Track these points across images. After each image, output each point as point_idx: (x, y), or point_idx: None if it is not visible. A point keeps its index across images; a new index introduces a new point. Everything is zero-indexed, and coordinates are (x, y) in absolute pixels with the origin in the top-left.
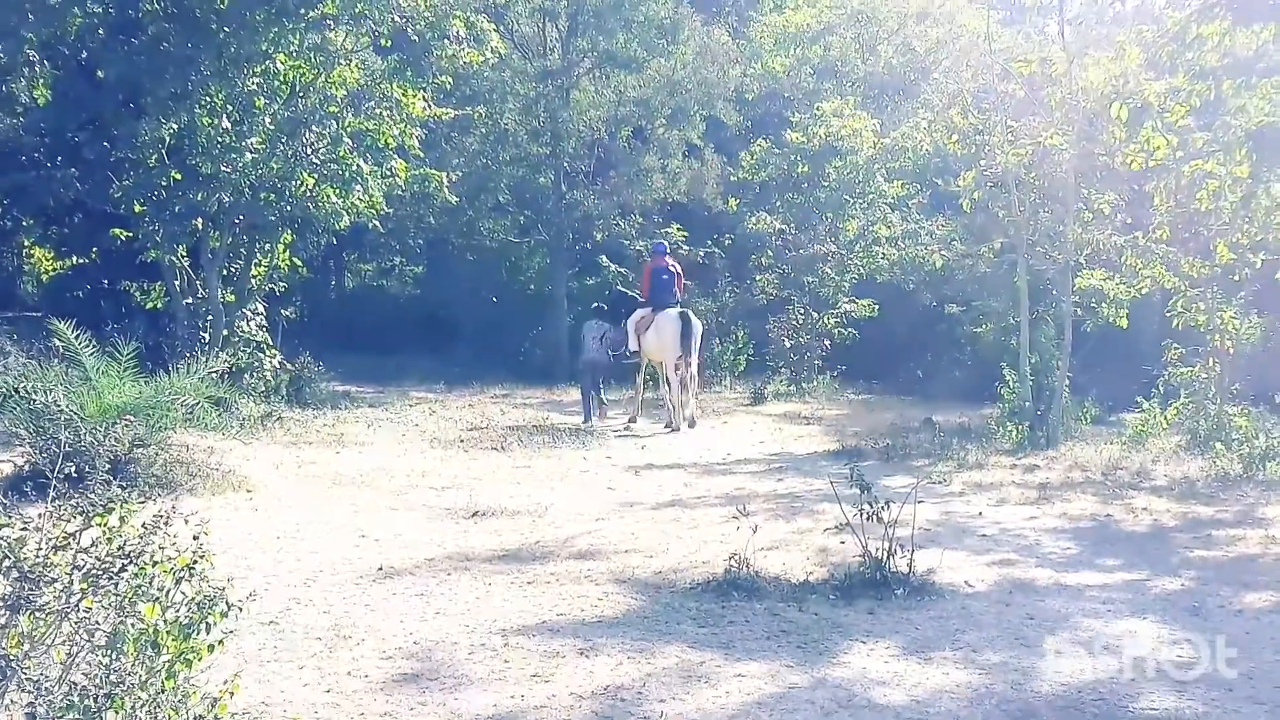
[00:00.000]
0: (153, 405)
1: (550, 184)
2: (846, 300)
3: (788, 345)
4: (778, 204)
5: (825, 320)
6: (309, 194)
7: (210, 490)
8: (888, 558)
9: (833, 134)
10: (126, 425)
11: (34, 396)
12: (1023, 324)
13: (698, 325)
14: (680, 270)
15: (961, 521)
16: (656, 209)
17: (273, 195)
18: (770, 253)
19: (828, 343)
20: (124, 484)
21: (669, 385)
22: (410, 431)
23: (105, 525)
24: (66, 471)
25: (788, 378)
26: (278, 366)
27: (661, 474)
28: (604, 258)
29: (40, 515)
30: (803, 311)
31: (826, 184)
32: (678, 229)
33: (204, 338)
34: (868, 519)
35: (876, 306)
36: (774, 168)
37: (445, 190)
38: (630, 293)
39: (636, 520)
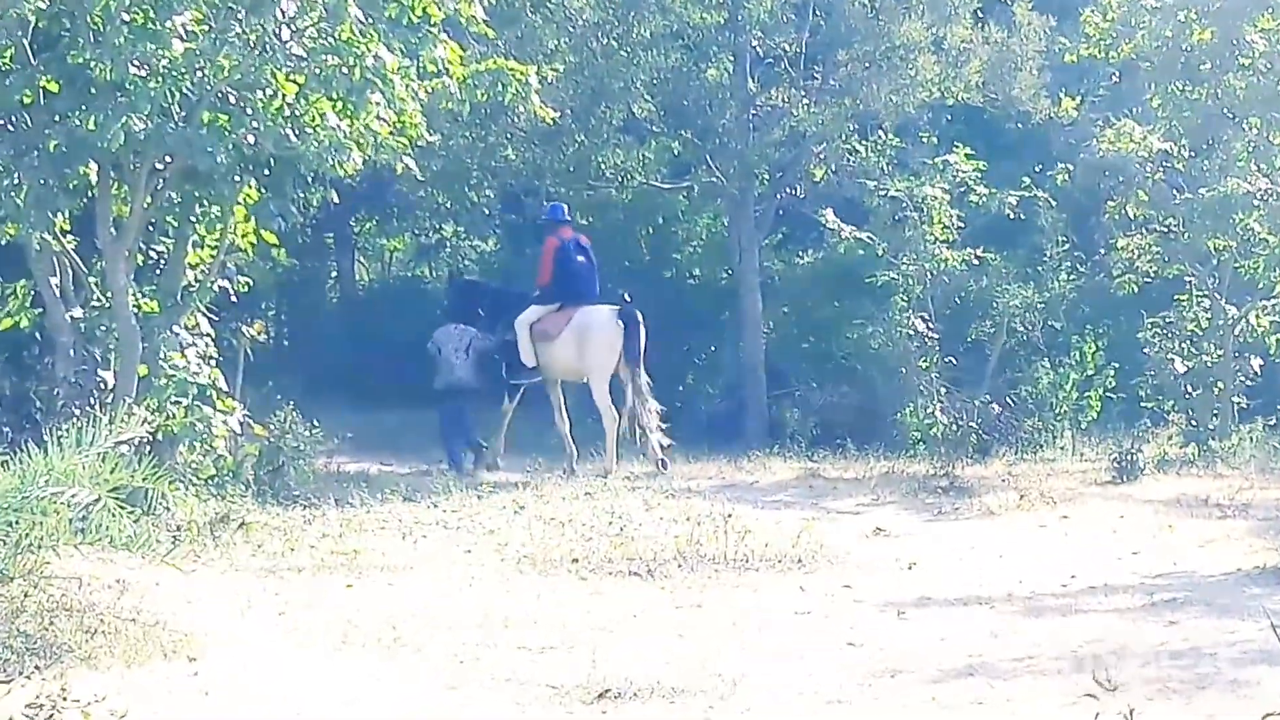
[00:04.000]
0: (16, 506)
1: (727, 81)
2: None
3: (1180, 370)
4: (1155, 106)
5: (1256, 321)
6: (288, 114)
7: (124, 658)
8: None
9: None
10: None
11: None
12: None
13: (641, 328)
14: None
15: None
16: (924, 118)
17: (222, 118)
18: (1144, 194)
19: (1258, 364)
20: None
21: (603, 410)
22: (481, 544)
23: None
24: None
25: (1182, 431)
26: (238, 430)
27: (947, 614)
28: (829, 213)
29: None
30: (1207, 307)
31: (1248, 63)
32: (965, 155)
33: (104, 380)
34: None
35: None
36: (1147, 36)
37: (535, 100)
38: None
39: (904, 705)
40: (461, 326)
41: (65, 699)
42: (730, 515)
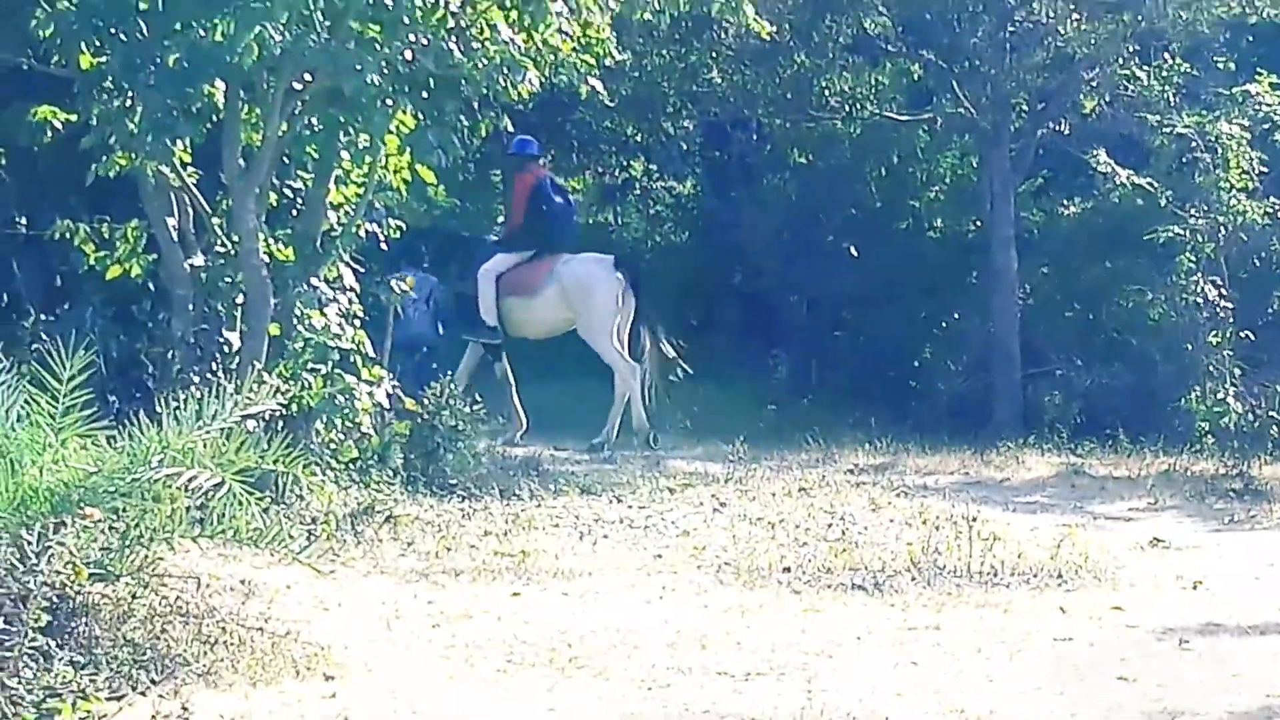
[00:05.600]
0: (125, 490)
1: None
2: None
3: None
4: None
5: None
6: (451, 26)
7: (250, 674)
8: None
9: None
10: (85, 528)
11: None
12: None
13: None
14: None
15: None
16: (1221, 39)
17: (373, 29)
18: None
19: None
20: (78, 657)
21: (617, 367)
22: (674, 547)
23: None
24: None
25: None
26: (386, 404)
27: (1240, 645)
28: (1101, 153)
29: None
30: None
31: None
32: (1270, 84)
33: (228, 342)
34: None
35: None
36: None
37: (748, 11)
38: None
39: None
40: (423, 274)
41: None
42: (975, 519)
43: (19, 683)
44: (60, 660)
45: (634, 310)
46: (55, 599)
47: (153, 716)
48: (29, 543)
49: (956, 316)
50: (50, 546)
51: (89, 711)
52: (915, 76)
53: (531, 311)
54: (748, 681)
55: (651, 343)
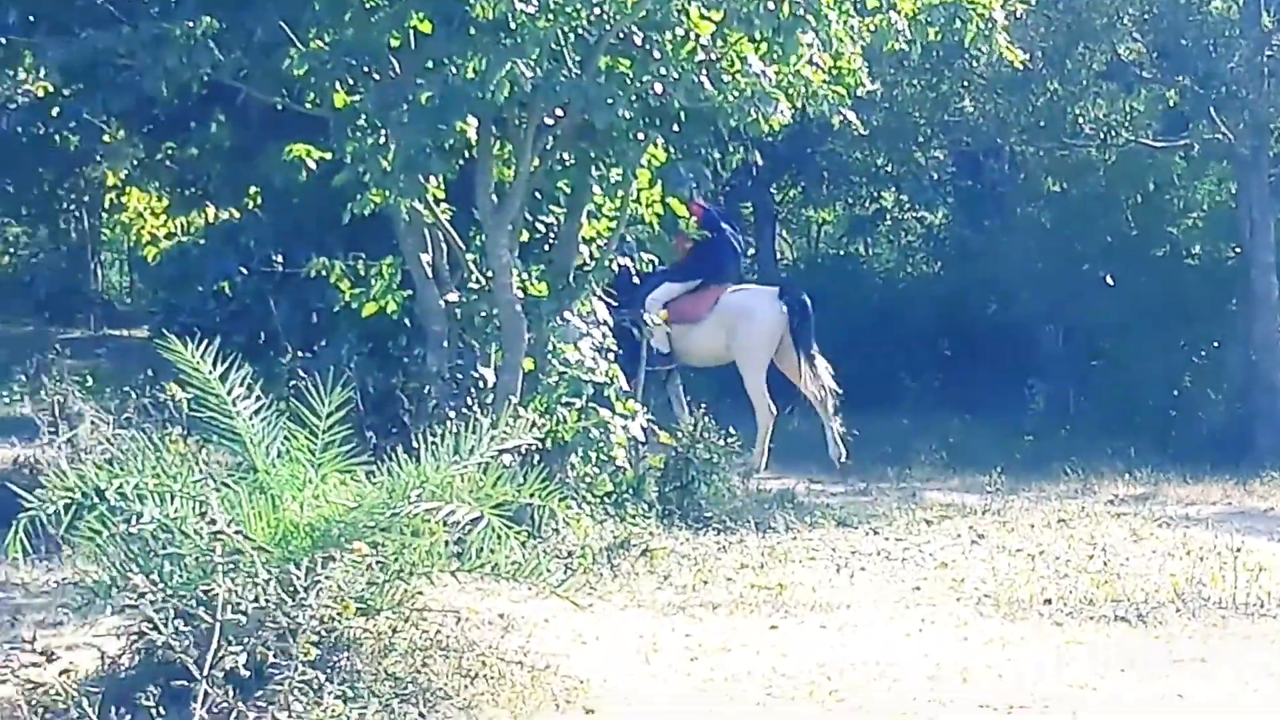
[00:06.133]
0: (384, 525)
1: (1236, 15)
2: None
3: None
4: None
5: None
6: (701, 59)
7: (510, 707)
8: None
9: None
10: (354, 562)
11: (137, 508)
12: None
13: (811, 314)
14: None
15: None
16: None
17: (623, 63)
18: None
19: None
20: (344, 690)
21: (757, 404)
22: (932, 579)
23: None
24: (225, 667)
25: None
26: (640, 438)
27: None
28: None
29: None
30: None
31: None
32: None
33: (483, 377)
34: None
35: None
36: None
37: (1000, 39)
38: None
39: None
40: None
41: None
42: (1239, 549)
43: (289, 716)
44: (330, 694)
45: (801, 335)
46: (321, 636)
47: None
48: (297, 577)
49: (1217, 345)
50: (319, 581)
51: None
52: (1171, 102)
53: (693, 339)
54: (1010, 714)
55: (812, 376)
